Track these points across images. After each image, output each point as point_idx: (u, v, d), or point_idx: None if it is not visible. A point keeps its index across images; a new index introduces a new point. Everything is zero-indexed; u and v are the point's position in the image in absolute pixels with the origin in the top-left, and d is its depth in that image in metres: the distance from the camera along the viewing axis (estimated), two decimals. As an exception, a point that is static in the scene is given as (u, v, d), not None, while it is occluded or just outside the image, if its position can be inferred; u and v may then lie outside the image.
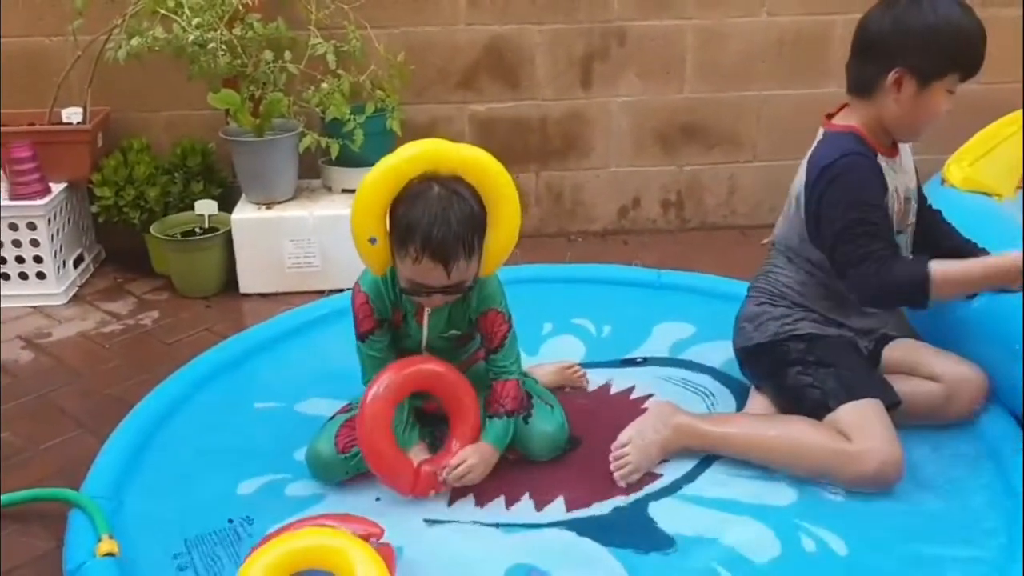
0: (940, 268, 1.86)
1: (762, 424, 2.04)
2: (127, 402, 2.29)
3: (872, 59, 1.95)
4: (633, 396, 2.30)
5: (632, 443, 2.00)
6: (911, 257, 1.94)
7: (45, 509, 1.94)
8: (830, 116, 2.08)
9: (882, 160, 2.00)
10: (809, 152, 2.06)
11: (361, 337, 1.96)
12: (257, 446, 2.11)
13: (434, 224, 1.73)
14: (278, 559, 1.58)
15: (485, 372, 2.08)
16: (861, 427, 1.90)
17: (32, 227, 2.87)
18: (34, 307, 2.90)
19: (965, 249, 2.17)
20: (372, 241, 1.82)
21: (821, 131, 2.08)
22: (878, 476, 1.88)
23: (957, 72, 1.91)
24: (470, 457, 1.91)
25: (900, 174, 2.05)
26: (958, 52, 1.89)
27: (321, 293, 2.91)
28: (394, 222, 1.79)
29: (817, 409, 1.97)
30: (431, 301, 1.86)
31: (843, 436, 1.90)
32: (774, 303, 2.12)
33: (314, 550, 1.61)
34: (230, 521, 1.87)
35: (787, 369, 2.05)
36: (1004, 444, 2.02)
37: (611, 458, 1.99)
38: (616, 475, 1.97)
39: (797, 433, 1.96)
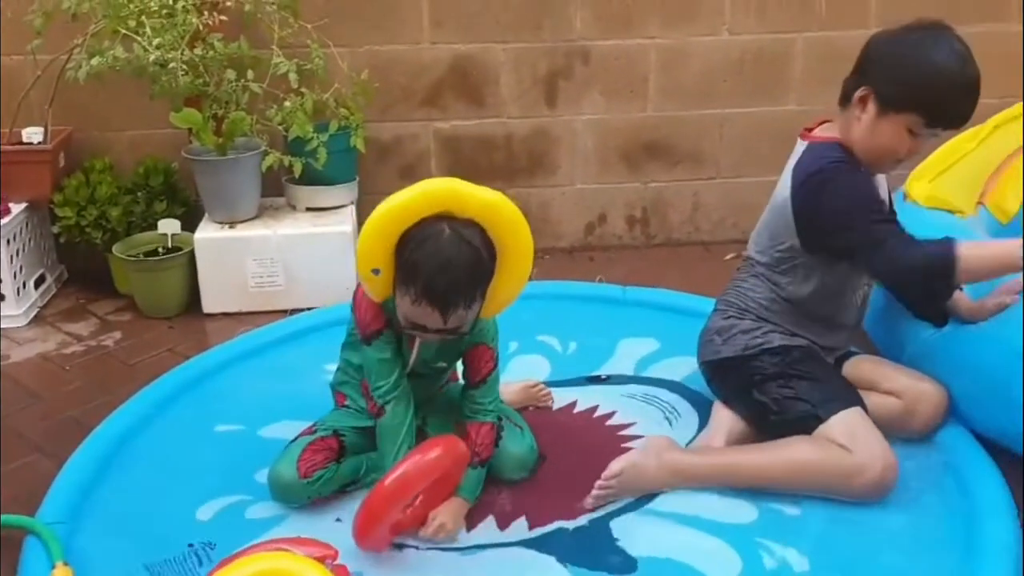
0: (967, 244, 1.82)
1: (763, 453, 1.99)
2: (87, 425, 2.26)
3: (856, 71, 1.98)
4: (597, 414, 2.30)
5: (623, 475, 1.96)
6: (927, 246, 1.87)
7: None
8: (809, 130, 2.08)
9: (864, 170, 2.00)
10: (791, 163, 2.05)
11: (368, 338, 1.87)
12: (217, 469, 2.08)
13: (437, 271, 1.69)
14: None
15: (458, 394, 2.06)
16: (856, 436, 1.89)
17: (-9, 248, 2.84)
18: (-7, 329, 2.87)
19: None
20: (375, 272, 1.78)
21: (801, 144, 2.07)
22: (881, 483, 1.88)
23: (918, 114, 1.87)
24: (442, 517, 1.86)
25: (879, 189, 2.05)
26: (923, 93, 1.86)
27: (285, 312, 2.89)
28: (400, 259, 1.74)
29: (806, 421, 1.95)
30: (425, 338, 1.84)
31: (840, 447, 1.89)
32: (741, 316, 2.13)
33: (270, 574, 1.59)
34: (190, 546, 1.85)
35: (766, 384, 2.03)
36: (963, 459, 2.04)
37: (597, 485, 1.95)
38: (590, 500, 1.95)
39: (797, 455, 1.93)
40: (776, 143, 2.12)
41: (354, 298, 1.92)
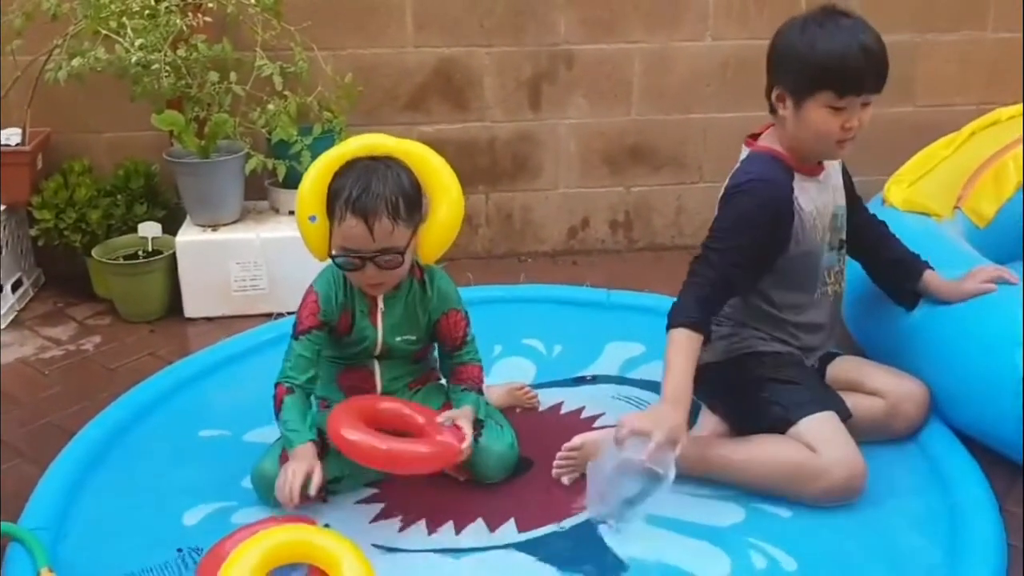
0: (676, 340, 1.92)
1: (734, 445, 2.04)
2: (68, 430, 2.23)
3: (767, 77, 2.03)
4: (584, 415, 2.30)
5: (584, 448, 2.01)
6: (702, 301, 1.96)
7: (-19, 542, 1.88)
8: (754, 136, 2.12)
9: (801, 180, 2.03)
10: (730, 174, 2.10)
11: (297, 334, 1.97)
12: (202, 475, 2.06)
13: (357, 183, 1.84)
14: (261, 558, 1.64)
15: (438, 393, 2.09)
16: (825, 439, 1.92)
17: (-32, 251, 2.80)
18: (-30, 333, 2.83)
19: (907, 261, 2.23)
20: (312, 219, 1.91)
21: (744, 150, 2.12)
22: (846, 486, 1.90)
23: (827, 89, 1.91)
24: (461, 420, 1.93)
25: (825, 193, 2.09)
26: (820, 69, 1.90)
27: (268, 316, 2.87)
28: (328, 196, 1.89)
29: (778, 424, 1.98)
30: (366, 276, 1.89)
31: (808, 449, 1.92)
32: (718, 323, 2.14)
33: (294, 544, 1.67)
34: (179, 551, 1.83)
35: (744, 386, 2.06)
36: (946, 459, 2.06)
37: (558, 455, 2.02)
38: (555, 471, 2.03)
39: (765, 451, 1.97)
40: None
41: (303, 297, 2.00)
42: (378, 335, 1.99)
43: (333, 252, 1.90)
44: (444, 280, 2.03)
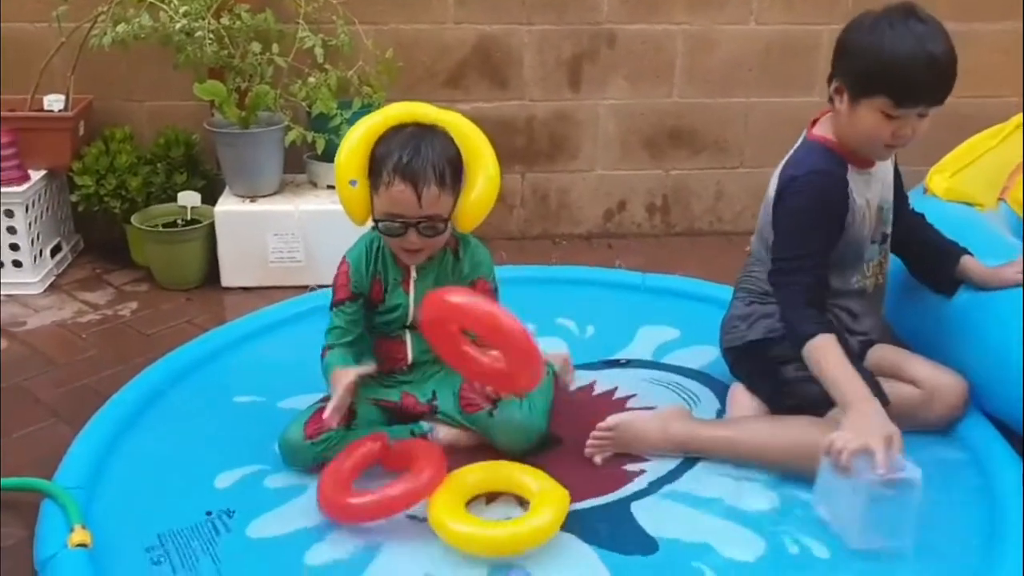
0: (820, 345, 1.88)
1: (766, 427, 2.02)
2: (103, 393, 2.25)
3: (832, 67, 1.99)
4: (616, 396, 2.28)
5: (617, 430, 2.00)
6: (816, 312, 1.95)
7: (16, 498, 1.90)
8: (815, 122, 2.09)
9: (853, 173, 2.01)
10: (785, 158, 2.08)
11: (333, 304, 2.01)
12: (235, 439, 2.07)
13: (405, 148, 1.84)
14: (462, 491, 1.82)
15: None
16: None
17: (9, 214, 2.83)
18: (9, 295, 2.85)
19: (944, 249, 2.20)
20: (352, 183, 1.90)
21: (801, 137, 2.10)
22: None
23: (885, 96, 1.87)
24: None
25: (874, 185, 2.06)
26: (883, 76, 1.86)
27: (304, 288, 2.87)
28: (373, 161, 1.89)
29: (817, 404, 1.95)
30: (408, 242, 1.89)
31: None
32: (762, 301, 2.13)
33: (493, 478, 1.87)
34: (208, 514, 1.84)
35: (785, 366, 2.04)
36: (984, 449, 2.03)
37: (592, 434, 2.01)
38: (588, 449, 2.01)
39: (803, 434, 1.94)
40: (799, 133, 2.13)
41: (337, 268, 2.01)
42: (410, 304, 1.99)
43: (376, 217, 1.90)
44: (478, 249, 2.03)
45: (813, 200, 1.98)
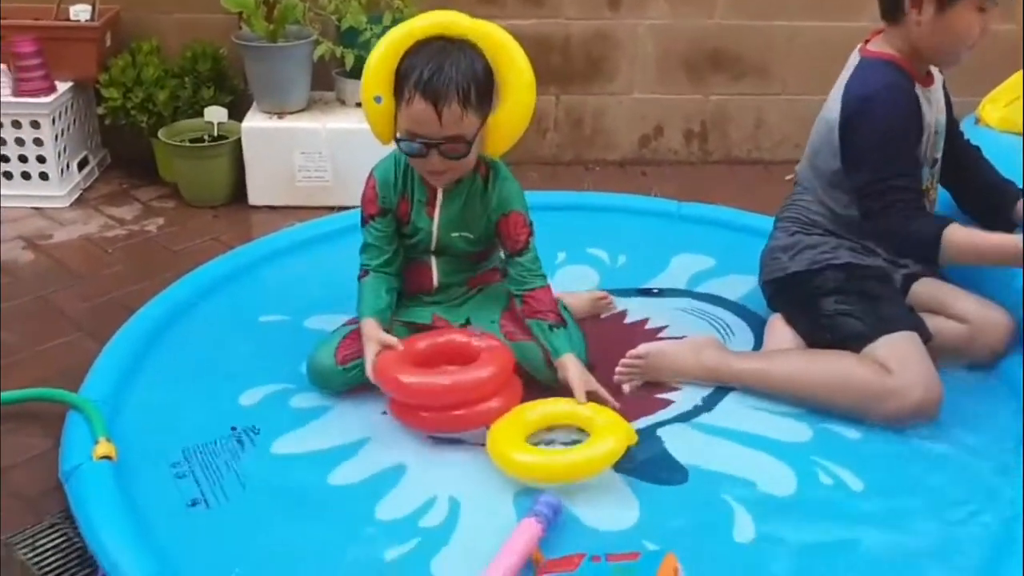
0: (953, 235, 1.85)
1: (800, 359, 1.97)
2: (129, 307, 2.23)
3: None
4: (648, 326, 2.23)
5: (648, 358, 1.96)
6: (932, 215, 1.92)
7: (42, 409, 1.90)
8: (866, 42, 2.00)
9: (918, 91, 1.93)
10: (843, 79, 1.99)
11: (364, 221, 1.95)
12: (261, 357, 2.05)
13: (428, 64, 1.73)
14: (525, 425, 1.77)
15: (499, 294, 2.03)
16: (902, 359, 1.84)
17: (36, 125, 2.79)
18: (36, 208, 2.83)
19: (1000, 187, 2.12)
20: (377, 100, 1.82)
21: (855, 57, 2.00)
22: (918, 409, 1.83)
23: None
24: (585, 385, 1.84)
25: (933, 105, 1.99)
26: None
27: (331, 209, 2.82)
28: (398, 74, 1.79)
29: (855, 340, 1.91)
30: (431, 164, 1.81)
31: (883, 368, 1.84)
32: (807, 232, 2.06)
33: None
34: (233, 429, 1.83)
35: (824, 299, 1.98)
36: (1026, 388, 1.97)
37: (621, 362, 1.96)
38: (616, 377, 1.96)
39: (838, 368, 1.90)
40: (844, 60, 2.03)
41: (364, 183, 1.95)
42: (433, 227, 1.93)
43: (398, 135, 1.82)
44: (508, 180, 1.93)
45: (892, 116, 1.89)
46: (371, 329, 1.86)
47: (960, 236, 1.86)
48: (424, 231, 1.94)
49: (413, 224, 1.93)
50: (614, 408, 1.82)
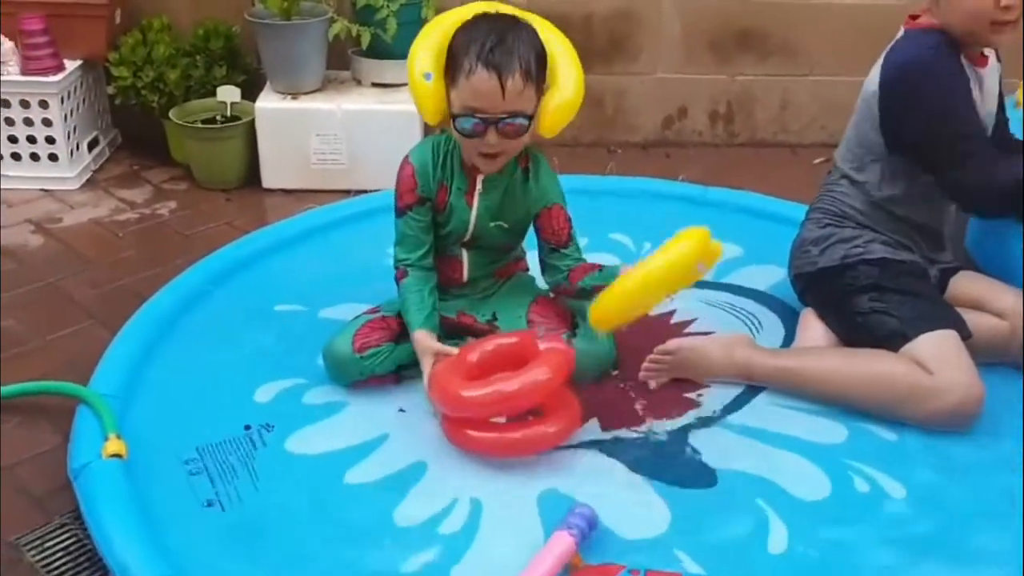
0: None
1: (835, 358, 1.90)
2: (140, 295, 2.17)
3: None
4: (674, 320, 2.16)
5: (677, 355, 1.90)
6: (1016, 157, 1.79)
7: (51, 403, 1.85)
8: (914, 17, 1.91)
9: (968, 66, 1.84)
10: (885, 52, 1.90)
11: (400, 211, 1.87)
12: (276, 350, 1.99)
13: (490, 36, 1.68)
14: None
15: (524, 286, 1.99)
16: (941, 359, 1.77)
17: (44, 105, 2.72)
18: (45, 190, 2.77)
19: None
20: (427, 76, 1.75)
21: (901, 30, 1.92)
22: (958, 411, 1.76)
23: None
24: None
25: (984, 92, 1.89)
26: None
27: (347, 192, 2.76)
28: (451, 50, 1.72)
29: (892, 338, 1.83)
30: (487, 144, 1.73)
31: (921, 368, 1.77)
32: (839, 224, 1.98)
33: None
34: (247, 427, 1.77)
35: (858, 296, 1.91)
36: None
37: (649, 358, 1.90)
38: (643, 373, 1.90)
39: (875, 367, 1.83)
40: (877, 40, 1.93)
41: (399, 170, 1.87)
42: (471, 216, 1.86)
43: (455, 112, 1.74)
44: (549, 172, 1.88)
45: (943, 73, 1.80)
46: (425, 340, 1.78)
47: None
48: (460, 220, 1.87)
49: (449, 213, 1.86)
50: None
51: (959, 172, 1.81)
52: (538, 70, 1.72)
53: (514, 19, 1.74)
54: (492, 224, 1.87)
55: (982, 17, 1.76)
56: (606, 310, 1.67)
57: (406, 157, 1.87)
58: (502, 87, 1.66)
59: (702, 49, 3.13)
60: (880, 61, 1.90)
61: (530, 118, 1.73)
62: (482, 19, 1.73)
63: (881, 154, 1.91)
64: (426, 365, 1.76)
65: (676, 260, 1.63)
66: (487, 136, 1.72)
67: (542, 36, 1.76)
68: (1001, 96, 1.99)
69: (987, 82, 1.90)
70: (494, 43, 1.66)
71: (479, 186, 1.84)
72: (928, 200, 1.95)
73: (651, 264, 1.64)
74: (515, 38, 1.68)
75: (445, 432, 1.74)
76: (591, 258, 2.35)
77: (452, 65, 1.71)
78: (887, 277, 1.90)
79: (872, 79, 1.90)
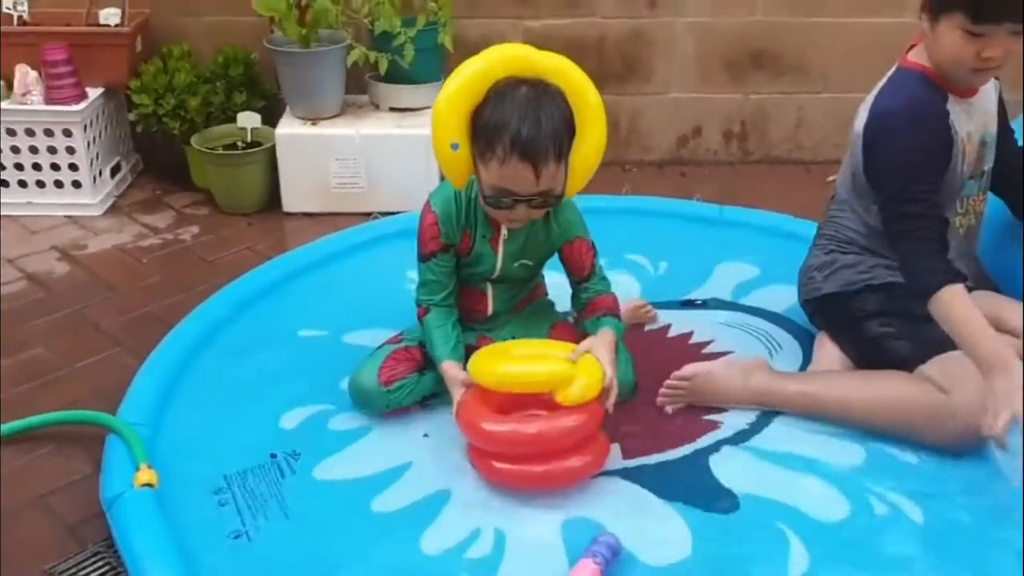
0: (948, 299, 1.74)
1: (852, 381, 1.92)
2: (165, 321, 2.21)
3: None
4: (692, 341, 2.18)
5: (695, 381, 1.91)
6: (944, 259, 1.81)
7: (82, 431, 1.88)
8: (910, 48, 1.93)
9: (953, 104, 1.86)
10: (875, 89, 1.93)
11: (424, 258, 1.87)
12: (301, 376, 2.02)
13: (524, 122, 1.62)
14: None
15: (544, 311, 2.02)
16: (958, 379, 1.77)
17: (68, 133, 2.77)
18: (69, 216, 2.82)
19: None
20: (454, 147, 1.70)
21: (895, 67, 1.94)
22: (974, 431, 1.74)
23: (960, 12, 1.71)
24: (598, 350, 1.75)
25: (976, 117, 1.91)
26: None
27: (367, 216, 2.79)
28: (479, 125, 1.68)
29: (905, 362, 1.85)
30: (515, 214, 1.74)
31: (937, 388, 1.78)
32: (843, 250, 2.00)
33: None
34: (273, 456, 1.80)
35: (867, 321, 1.93)
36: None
37: (666, 383, 1.92)
38: (660, 399, 1.93)
39: (892, 390, 1.84)
40: (889, 58, 1.95)
41: (421, 215, 1.86)
42: (498, 261, 1.87)
43: (485, 192, 1.72)
44: (569, 208, 1.87)
45: (914, 134, 1.82)
46: (453, 371, 1.80)
47: (945, 309, 1.74)
48: (488, 264, 1.88)
49: (478, 257, 1.87)
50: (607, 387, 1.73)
51: (897, 244, 1.84)
52: (568, 143, 1.69)
53: (544, 88, 1.66)
54: (516, 264, 1.89)
55: (963, 64, 1.78)
56: (479, 373, 1.73)
57: (428, 204, 1.85)
58: (537, 177, 1.65)
59: (716, 68, 3.16)
60: (869, 100, 1.92)
61: (562, 194, 1.73)
62: (512, 91, 1.65)
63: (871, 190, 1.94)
64: (456, 395, 1.77)
65: (542, 379, 1.71)
66: (516, 210, 1.72)
67: (569, 89, 1.70)
68: (1004, 110, 2.01)
69: (980, 106, 1.92)
70: (531, 130, 1.61)
71: (504, 233, 1.84)
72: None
73: (520, 368, 1.73)
74: (548, 117, 1.63)
75: (471, 459, 1.76)
76: (609, 280, 2.40)
77: (482, 144, 1.67)
78: (893, 302, 1.92)
79: (860, 117, 1.93)
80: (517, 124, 1.62)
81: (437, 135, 1.71)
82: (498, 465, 1.71)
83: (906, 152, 1.83)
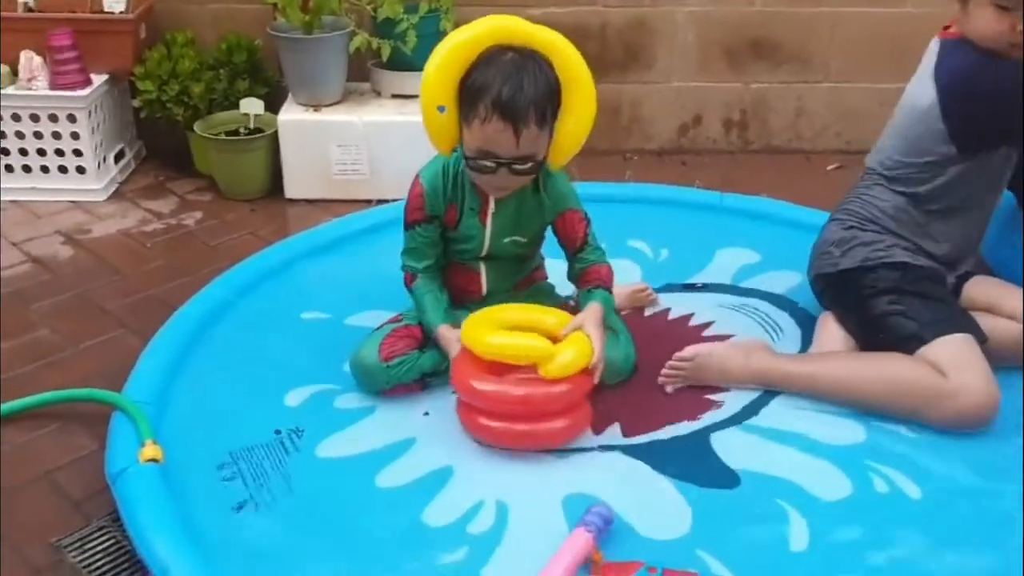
0: None
1: (852, 362, 1.94)
2: (169, 304, 2.22)
3: None
4: (693, 322, 2.20)
5: (696, 361, 1.92)
6: None
7: (86, 409, 1.89)
8: (947, 28, 1.94)
9: None
10: (927, 65, 1.93)
11: (408, 226, 1.91)
12: (304, 357, 2.03)
13: (507, 83, 1.66)
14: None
15: (542, 293, 2.02)
16: (958, 362, 1.80)
17: (72, 119, 2.78)
18: (73, 202, 2.83)
19: None
20: (441, 109, 1.74)
21: (935, 42, 1.94)
22: (975, 413, 1.79)
23: None
24: (588, 327, 1.78)
25: None
26: None
27: (368, 203, 2.80)
28: (465, 88, 1.72)
29: (909, 341, 1.86)
30: (498, 180, 1.77)
31: (938, 371, 1.80)
32: (863, 227, 2.01)
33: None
34: (277, 432, 1.81)
35: (877, 298, 1.94)
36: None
37: (668, 363, 1.93)
38: (661, 378, 1.94)
39: (891, 370, 1.86)
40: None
41: (410, 187, 1.90)
42: (486, 235, 1.89)
43: (467, 153, 1.76)
44: (559, 180, 1.89)
45: (998, 70, 1.81)
46: (448, 332, 1.84)
47: None
48: (476, 238, 1.90)
49: (465, 230, 1.89)
50: (594, 364, 1.76)
51: None
52: (552, 111, 1.72)
53: (530, 55, 1.71)
54: (507, 240, 1.90)
55: (999, 39, 1.80)
56: (470, 339, 1.75)
57: (418, 175, 1.89)
58: (516, 137, 1.69)
59: (716, 57, 3.17)
60: (922, 75, 1.92)
61: (543, 159, 1.76)
62: (496, 56, 1.70)
63: (941, 165, 1.92)
64: (453, 352, 1.80)
65: (524, 352, 1.72)
66: (498, 174, 1.75)
67: (557, 60, 1.73)
68: None
69: None
70: (512, 91, 1.65)
71: (491, 205, 1.86)
72: (971, 210, 1.98)
73: (507, 340, 1.73)
74: (530, 82, 1.67)
75: (459, 416, 1.79)
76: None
77: (467, 105, 1.71)
78: (907, 281, 1.93)
79: (919, 94, 1.92)
80: (499, 85, 1.66)
81: (425, 98, 1.76)
82: (483, 421, 1.75)
83: (1003, 81, 1.81)
